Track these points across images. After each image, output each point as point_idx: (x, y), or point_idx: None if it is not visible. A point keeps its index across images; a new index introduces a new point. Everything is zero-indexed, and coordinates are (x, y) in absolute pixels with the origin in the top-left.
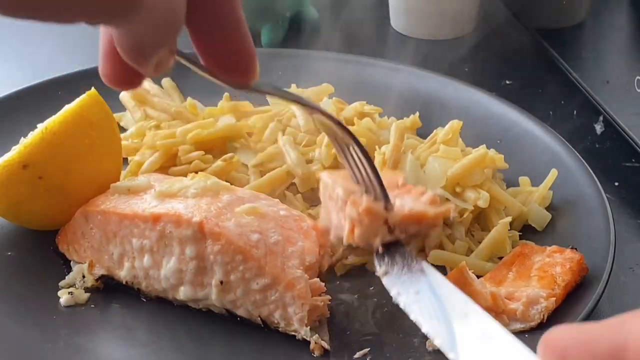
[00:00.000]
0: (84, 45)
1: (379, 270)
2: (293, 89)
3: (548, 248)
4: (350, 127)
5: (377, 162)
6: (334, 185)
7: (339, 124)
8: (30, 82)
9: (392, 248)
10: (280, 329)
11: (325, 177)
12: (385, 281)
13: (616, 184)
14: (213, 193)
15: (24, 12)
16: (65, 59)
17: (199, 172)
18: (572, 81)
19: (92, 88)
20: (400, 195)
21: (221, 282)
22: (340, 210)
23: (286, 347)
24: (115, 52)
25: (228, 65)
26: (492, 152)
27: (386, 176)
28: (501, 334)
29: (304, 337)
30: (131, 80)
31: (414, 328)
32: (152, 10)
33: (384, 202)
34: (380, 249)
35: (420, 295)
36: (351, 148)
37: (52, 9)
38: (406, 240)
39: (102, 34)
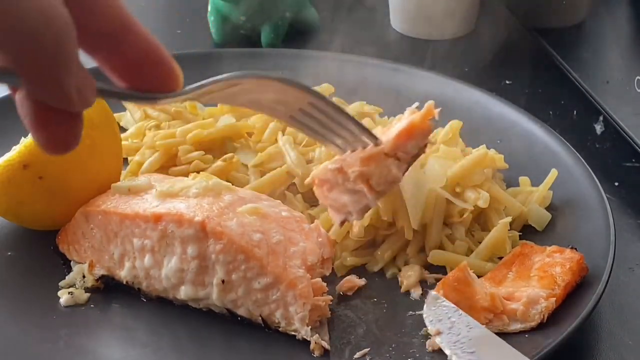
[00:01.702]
0: None
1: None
2: None
3: (548, 248)
4: None
5: None
6: (324, 172)
7: (293, 83)
8: None
9: None
10: (280, 329)
11: (311, 176)
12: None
13: (616, 184)
14: (215, 193)
15: None
16: None
17: (201, 172)
18: (572, 81)
19: None
20: (384, 132)
21: (222, 282)
22: (346, 189)
23: (286, 347)
24: (39, 115)
25: (143, 76)
26: (492, 152)
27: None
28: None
29: (304, 337)
30: (69, 136)
31: (414, 328)
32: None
33: (372, 141)
34: None
35: None
36: (316, 113)
37: None
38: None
39: (17, 104)
